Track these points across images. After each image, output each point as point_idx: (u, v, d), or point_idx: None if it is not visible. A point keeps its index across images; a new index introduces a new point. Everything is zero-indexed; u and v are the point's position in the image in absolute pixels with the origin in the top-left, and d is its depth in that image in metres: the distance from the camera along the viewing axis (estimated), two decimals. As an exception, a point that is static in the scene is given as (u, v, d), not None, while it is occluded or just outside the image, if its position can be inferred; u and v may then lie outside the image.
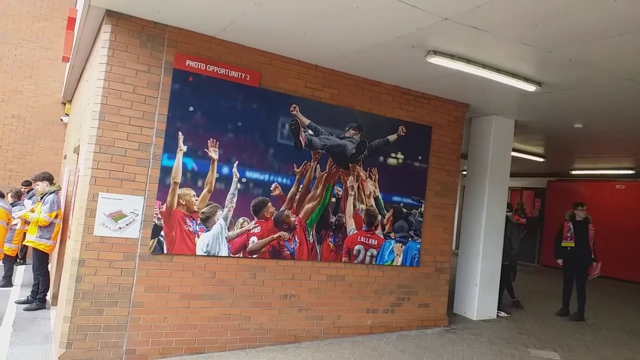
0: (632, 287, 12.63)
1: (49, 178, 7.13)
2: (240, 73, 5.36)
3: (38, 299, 6.77)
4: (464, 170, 8.15)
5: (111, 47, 4.74)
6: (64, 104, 11.60)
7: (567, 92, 5.97)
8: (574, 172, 14.91)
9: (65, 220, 6.79)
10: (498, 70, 5.33)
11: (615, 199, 14.29)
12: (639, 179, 13.67)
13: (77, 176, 5.76)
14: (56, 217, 6.74)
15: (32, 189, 9.31)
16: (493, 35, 4.36)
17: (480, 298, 7.62)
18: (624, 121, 7.41)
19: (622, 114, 6.90)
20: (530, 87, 5.67)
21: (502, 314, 7.98)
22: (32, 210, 6.94)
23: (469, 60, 5.13)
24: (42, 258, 6.86)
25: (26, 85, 11.47)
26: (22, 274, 9.04)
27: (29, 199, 8.64)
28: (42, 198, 6.93)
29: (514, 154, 10.20)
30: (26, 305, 6.68)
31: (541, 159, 12.30)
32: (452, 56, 5.02)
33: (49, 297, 6.98)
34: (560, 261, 8.46)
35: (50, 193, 6.86)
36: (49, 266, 7.11)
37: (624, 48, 4.35)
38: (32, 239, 6.72)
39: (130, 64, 4.82)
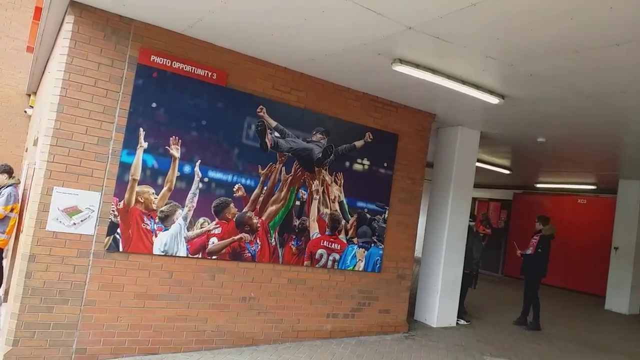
0: (590, 299, 12.97)
1: (8, 171, 6.90)
2: (207, 71, 5.30)
3: (-11, 294, 6.54)
4: (429, 179, 8.25)
5: (73, 39, 4.63)
6: (29, 95, 11.29)
7: (529, 105, 6.12)
8: (539, 185, 15.29)
9: (22, 215, 6.58)
10: (463, 81, 5.42)
11: (576, 213, 14.70)
12: (600, 195, 14.10)
13: (34, 169, 5.60)
14: (12, 210, 6.53)
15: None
16: (456, 47, 4.44)
17: (440, 305, 7.71)
18: (584, 136, 7.62)
19: (582, 129, 7.09)
20: (494, 100, 5.79)
21: (462, 321, 8.09)
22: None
23: (434, 71, 5.20)
24: (-5, 252, 6.63)
25: (-10, 74, 11.15)
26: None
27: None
28: (-2, 190, 6.70)
29: (480, 165, 10.41)
30: (-24, 301, 6.44)
31: (507, 171, 12.57)
32: (417, 65, 5.09)
33: (1, 293, 6.75)
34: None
35: (8, 186, 6.65)
36: (4, 262, 6.87)
37: (582, 64, 4.47)
38: (-15, 233, 6.49)
39: (93, 57, 4.71)
